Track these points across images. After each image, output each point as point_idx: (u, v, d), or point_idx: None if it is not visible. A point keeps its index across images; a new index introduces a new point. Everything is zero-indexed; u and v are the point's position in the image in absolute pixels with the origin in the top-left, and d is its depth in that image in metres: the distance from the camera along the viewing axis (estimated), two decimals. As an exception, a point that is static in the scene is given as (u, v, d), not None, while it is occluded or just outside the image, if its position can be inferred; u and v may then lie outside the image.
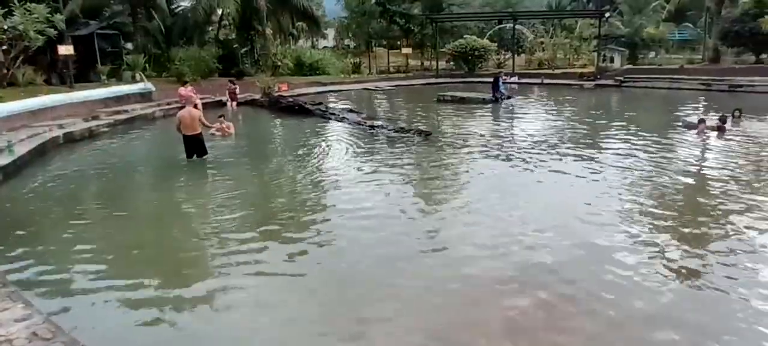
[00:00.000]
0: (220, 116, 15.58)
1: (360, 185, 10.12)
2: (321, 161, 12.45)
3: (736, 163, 11.93)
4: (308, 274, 6.37)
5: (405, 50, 42.75)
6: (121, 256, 6.93)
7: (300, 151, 13.50)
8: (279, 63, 33.82)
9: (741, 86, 28.81)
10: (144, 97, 21.68)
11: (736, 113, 16.89)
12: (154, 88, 22.41)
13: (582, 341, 5.02)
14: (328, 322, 5.34)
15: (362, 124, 16.94)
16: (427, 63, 45.06)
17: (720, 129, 15.27)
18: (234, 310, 5.49)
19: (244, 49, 34.32)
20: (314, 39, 57.14)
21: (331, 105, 22.07)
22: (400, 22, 43.75)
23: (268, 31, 35.26)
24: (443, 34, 44.63)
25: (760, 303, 5.50)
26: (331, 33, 58.77)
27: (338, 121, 18.08)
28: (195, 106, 12.79)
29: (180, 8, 36.14)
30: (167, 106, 20.48)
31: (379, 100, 26.58)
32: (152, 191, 10.77)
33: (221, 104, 22.16)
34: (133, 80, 23.60)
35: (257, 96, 23.78)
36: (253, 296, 5.75)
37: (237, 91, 23.17)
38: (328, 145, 14.29)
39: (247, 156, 13.44)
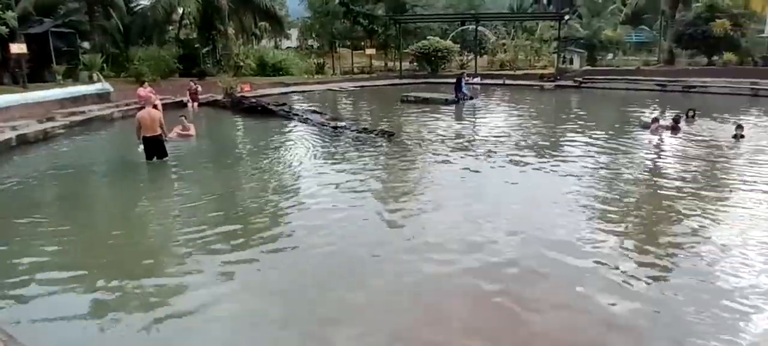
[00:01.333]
0: (181, 117, 15.32)
1: (323, 186, 10.07)
2: (284, 163, 12.38)
3: (689, 161, 12.37)
4: (270, 275, 6.34)
5: (369, 51, 42.77)
6: (78, 261, 6.76)
7: (263, 153, 13.41)
8: (241, 63, 33.47)
9: (694, 87, 29.80)
10: (101, 97, 21.17)
11: (690, 113, 17.44)
12: (112, 89, 21.91)
13: (545, 339, 5.10)
14: (289, 323, 5.31)
15: (326, 125, 16.88)
16: (390, 64, 45.21)
17: (674, 128, 15.82)
18: (193, 312, 5.41)
19: (206, 48, 33.83)
20: (277, 39, 56.67)
21: (295, 106, 21.93)
22: (363, 23, 43.81)
23: (230, 30, 34.89)
24: (407, 35, 44.82)
25: (715, 294, 5.72)
26: (294, 33, 58.37)
27: (302, 122, 17.99)
28: (155, 107, 12.55)
29: (139, 6, 35.40)
30: (126, 108, 20.06)
31: (343, 101, 26.56)
32: (111, 194, 10.53)
33: (182, 105, 21.79)
34: (90, 80, 23.03)
35: (219, 97, 23.48)
36: (213, 299, 5.67)
37: (198, 91, 22.85)
38: (291, 147, 14.22)
39: (209, 158, 13.26)
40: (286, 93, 27.88)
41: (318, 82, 33.45)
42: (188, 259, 6.68)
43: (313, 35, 52.58)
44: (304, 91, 29.29)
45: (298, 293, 5.89)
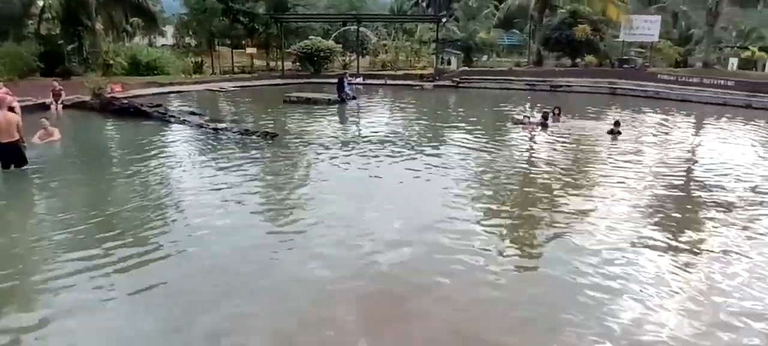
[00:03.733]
0: (43, 120, 14.11)
1: (204, 191, 9.72)
2: (161, 168, 11.74)
3: (556, 154, 13.51)
4: (150, 287, 5.99)
5: (249, 50, 41.80)
6: None
7: (137, 158, 12.62)
8: (111, 62, 31.38)
9: (560, 86, 32.17)
10: (-53, 99, 18.99)
11: (556, 111, 18.86)
12: (-41, 89, 19.74)
13: (434, 332, 5.27)
14: (173, 336, 5.10)
15: (205, 127, 16.29)
16: (272, 63, 44.46)
17: (543, 125, 17.12)
18: (65, 334, 5.03)
19: (71, 45, 31.34)
20: (151, 36, 53.77)
21: (172, 107, 20.95)
22: (243, 21, 42.70)
23: (98, 26, 32.59)
24: (289, 35, 44.32)
25: (585, 283, 6.18)
26: (170, 30, 55.68)
27: (179, 123, 17.22)
28: (11, 109, 11.44)
29: (-10, -2, 32.18)
30: (-23, 110, 18.13)
31: (223, 102, 25.73)
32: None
33: (45, 107, 20.03)
34: (-67, 80, 20.61)
35: (87, 98, 21.83)
36: (87, 317, 5.30)
37: (63, 92, 21.15)
38: (168, 150, 13.55)
39: (76, 165, 12.34)
40: (161, 93, 26.49)
41: (196, 82, 32.15)
42: (52, 282, 6.10)
43: (190, 33, 50.33)
44: (181, 92, 28.03)
45: (182, 304, 5.65)
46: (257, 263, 6.74)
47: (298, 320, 5.42)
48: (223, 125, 16.45)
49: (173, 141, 14.80)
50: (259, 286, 6.11)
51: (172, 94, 26.73)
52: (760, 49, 44.57)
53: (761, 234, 8.14)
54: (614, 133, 15.95)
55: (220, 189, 9.85)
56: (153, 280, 6.13)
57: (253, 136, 14.89)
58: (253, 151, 13.17)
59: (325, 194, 9.64)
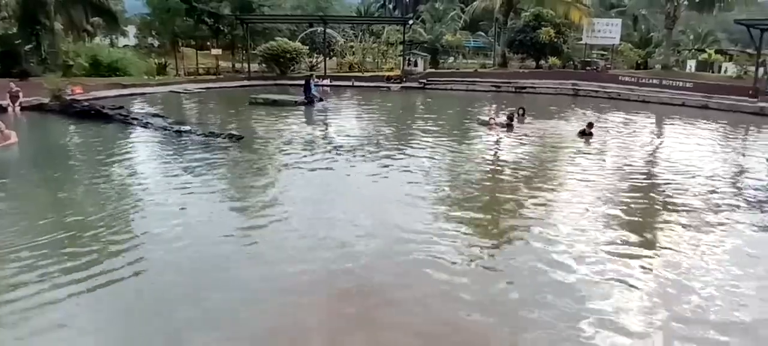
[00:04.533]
0: (-1, 123, 13.72)
1: (167, 195, 9.57)
2: (122, 173, 11.50)
3: (521, 155, 13.74)
4: (114, 294, 5.90)
5: (214, 51, 41.31)
6: None
7: (98, 163, 12.35)
8: (71, 62, 30.67)
9: (525, 88, 32.68)
10: None
11: (520, 111, 19.22)
12: None
13: (400, 331, 5.31)
14: (136, 341, 5.02)
15: (169, 130, 16.04)
16: (238, 65, 44.03)
17: (508, 125, 17.40)
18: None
19: (29, 45, 30.47)
20: (113, 36, 52.64)
21: (134, 109, 20.57)
22: (208, 22, 42.18)
23: (58, 26, 31.81)
24: (254, 36, 43.95)
25: (551, 282, 6.29)
26: (132, 30, 54.57)
27: (142, 126, 16.90)
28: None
29: (-58, -3, 31.09)
30: (-71, 112, 17.55)
31: (187, 104, 25.37)
32: None
33: (1, 109, 19.49)
34: None
35: (46, 100, 21.28)
36: (50, 325, 5.18)
37: (20, 94, 20.57)
38: (130, 154, 13.31)
39: (34, 169, 12.01)
40: (124, 95, 25.97)
41: (160, 84, 31.60)
42: (4, 292, 5.90)
43: (153, 33, 49.47)
44: (144, 93, 27.53)
45: (147, 310, 5.59)
46: (219, 266, 6.67)
47: (265, 323, 5.39)
48: (188, 128, 16.22)
49: (135, 144, 14.54)
50: (222, 291, 6.04)
51: (134, 96, 26.23)
52: (716, 51, 46.04)
53: (722, 232, 8.43)
54: (586, 134, 16.23)
55: (183, 193, 9.71)
56: (114, 287, 6.02)
57: (218, 139, 14.73)
58: (218, 154, 13.03)
59: (291, 196, 9.61)
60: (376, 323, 5.47)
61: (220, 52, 42.15)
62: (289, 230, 7.96)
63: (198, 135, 15.26)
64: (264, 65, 40.01)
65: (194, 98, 27.35)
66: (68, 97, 21.48)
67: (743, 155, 15.54)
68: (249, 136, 15.36)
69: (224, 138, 14.78)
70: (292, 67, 38.65)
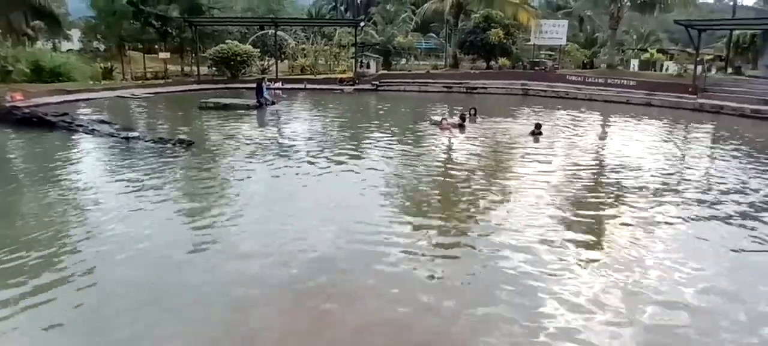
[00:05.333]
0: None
1: (115, 204, 9.33)
2: (68, 183, 11.12)
3: (473, 154, 14.08)
4: (60, 306, 5.75)
5: (163, 55, 40.34)
6: None
7: (42, 173, 11.92)
8: (11, 68, 29.48)
9: (476, 88, 33.23)
10: None
11: (472, 111, 19.59)
12: None
13: (353, 334, 5.35)
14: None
15: (116, 136, 15.63)
16: (187, 69, 43.15)
17: (460, 126, 17.74)
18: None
19: (-36, 51, 29.27)
20: (56, 40, 50.87)
21: (80, 116, 19.95)
22: (156, 25, 41.11)
23: (-5, 30, 30.62)
24: (204, 39, 43.15)
25: (506, 272, 6.46)
26: (77, 34, 52.83)
27: (87, 133, 16.41)
28: None
29: None
30: None
31: (135, 109, 24.79)
32: None
33: (-66, 118, 18.61)
34: None
35: (-17, 107, 20.47)
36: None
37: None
38: (75, 163, 12.93)
39: (-27, 179, 11.54)
40: (68, 102, 25.15)
41: (106, 89, 30.70)
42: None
43: (99, 37, 48.02)
44: (90, 99, 26.70)
45: (95, 321, 5.48)
46: (171, 272, 6.59)
47: (220, 329, 5.36)
48: (136, 134, 15.85)
49: (81, 152, 14.14)
50: (175, 298, 5.97)
51: (79, 102, 25.43)
52: (658, 51, 47.75)
53: (666, 220, 8.94)
54: (535, 134, 16.69)
55: (132, 202, 9.51)
56: (62, 303, 5.87)
57: (168, 145, 14.45)
58: (168, 161, 12.79)
59: (244, 201, 9.53)
60: (327, 322, 5.51)
61: (169, 56, 41.19)
62: (241, 234, 7.92)
63: (147, 141, 14.94)
64: (214, 69, 39.32)
65: (142, 103, 26.72)
66: (8, 105, 20.66)
67: (685, 149, 16.32)
68: (200, 142, 15.13)
69: (174, 144, 14.52)
70: (243, 71, 38.14)
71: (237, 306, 5.82)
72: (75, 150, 14.36)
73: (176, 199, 9.85)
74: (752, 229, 8.68)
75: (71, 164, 12.71)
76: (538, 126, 17.16)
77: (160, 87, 33.11)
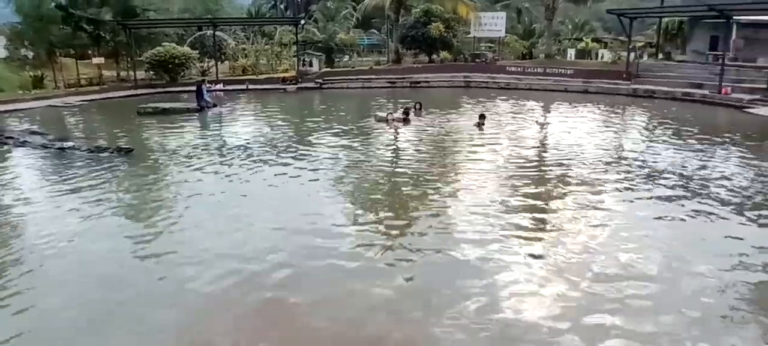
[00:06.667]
0: None
1: (51, 218, 8.95)
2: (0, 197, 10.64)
3: (420, 148, 14.28)
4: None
5: (96, 60, 38.89)
6: None
7: (-31, 187, 11.35)
8: (-69, 80, 27.90)
9: (419, 82, 33.54)
10: None
11: (417, 106, 19.80)
12: None
13: (316, 329, 5.36)
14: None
15: (49, 147, 14.99)
16: (123, 74, 41.77)
17: (405, 120, 17.89)
18: None
19: None
20: (-21, 49, 48.31)
21: (9, 127, 19.01)
22: (88, 29, 39.54)
23: None
24: (140, 42, 41.83)
25: (455, 263, 6.55)
26: (1, 41, 50.33)
27: (18, 146, 15.64)
28: None
29: None
30: None
31: (69, 118, 23.81)
32: None
33: None
34: None
35: None
36: None
37: None
38: (5, 177, 12.29)
39: None
40: (-5, 113, 24.00)
41: (37, 98, 29.38)
42: None
43: (27, 43, 45.84)
44: (19, 110, 25.48)
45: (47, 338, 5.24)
46: (117, 283, 6.38)
47: (173, 338, 5.23)
48: (70, 144, 15.22)
49: (11, 165, 13.50)
50: (122, 309, 5.78)
51: (7, 113, 24.23)
52: (593, 40, 49.39)
53: (611, 201, 9.42)
54: (480, 124, 17.05)
55: (69, 214, 9.13)
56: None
57: (105, 153, 13.96)
58: (107, 169, 12.34)
59: (189, 208, 9.32)
60: (279, 326, 5.47)
61: (103, 61, 39.74)
62: (188, 243, 7.72)
63: (83, 150, 14.39)
64: (152, 73, 38.19)
65: (77, 112, 25.70)
66: (-71, 119, 19.52)
67: (622, 133, 17.01)
68: (139, 148, 14.67)
69: (112, 152, 14.03)
70: (182, 73, 37.21)
71: (189, 313, 5.70)
72: (3, 164, 13.65)
73: (117, 209, 9.51)
74: (684, 203, 9.19)
75: (2, 178, 12.09)
76: (482, 116, 17.55)
77: (95, 94, 31.94)
